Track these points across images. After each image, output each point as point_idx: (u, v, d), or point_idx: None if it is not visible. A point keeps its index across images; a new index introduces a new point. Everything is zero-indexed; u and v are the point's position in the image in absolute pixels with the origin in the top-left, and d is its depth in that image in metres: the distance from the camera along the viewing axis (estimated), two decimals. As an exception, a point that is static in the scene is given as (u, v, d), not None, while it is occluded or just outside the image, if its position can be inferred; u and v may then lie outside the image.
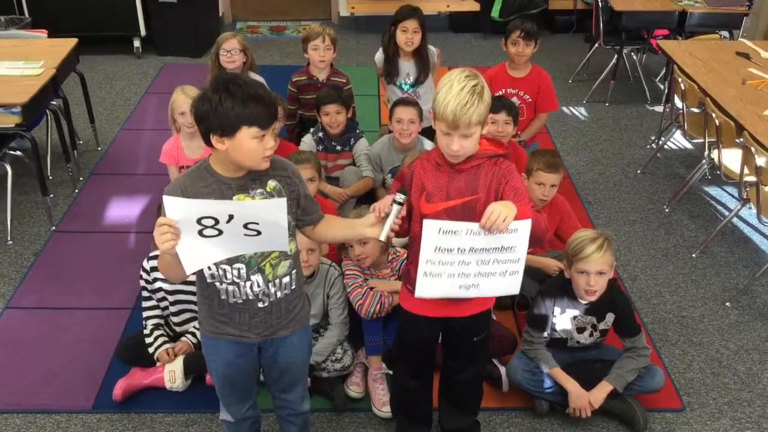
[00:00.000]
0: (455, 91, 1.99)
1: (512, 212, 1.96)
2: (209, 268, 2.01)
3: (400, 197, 2.01)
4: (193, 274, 1.95)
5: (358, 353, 3.02)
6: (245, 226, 1.85)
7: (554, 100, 4.17)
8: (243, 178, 1.95)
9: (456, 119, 1.98)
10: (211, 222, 1.81)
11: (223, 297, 2.07)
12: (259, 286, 2.05)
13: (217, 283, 2.04)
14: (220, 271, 2.02)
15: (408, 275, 2.32)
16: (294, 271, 2.11)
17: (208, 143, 1.90)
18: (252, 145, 1.86)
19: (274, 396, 2.40)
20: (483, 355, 2.58)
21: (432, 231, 2.00)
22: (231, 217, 1.82)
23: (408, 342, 2.49)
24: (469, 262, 2.06)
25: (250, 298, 2.06)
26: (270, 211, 1.85)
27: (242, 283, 2.04)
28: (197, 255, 1.87)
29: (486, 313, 2.41)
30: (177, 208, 1.79)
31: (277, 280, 2.07)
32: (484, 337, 2.47)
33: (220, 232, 1.84)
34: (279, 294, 2.09)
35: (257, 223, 1.85)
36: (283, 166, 2.04)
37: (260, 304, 2.08)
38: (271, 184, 1.99)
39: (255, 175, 1.96)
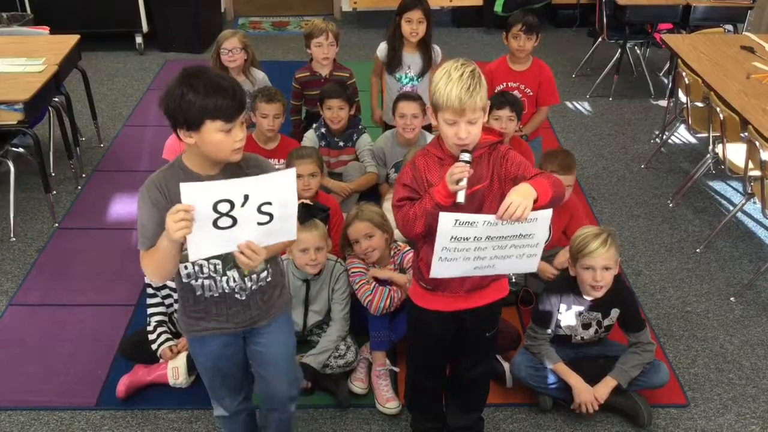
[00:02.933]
0: (455, 78, 1.99)
1: (530, 200, 1.92)
2: (185, 266, 2.00)
3: (467, 156, 1.99)
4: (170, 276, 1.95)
5: (362, 349, 3.01)
6: (259, 209, 1.82)
7: (555, 94, 4.14)
8: (218, 175, 1.92)
9: (462, 104, 1.97)
10: (226, 207, 1.78)
11: (199, 293, 2.06)
12: (235, 281, 2.06)
13: (193, 281, 2.04)
14: (196, 267, 2.02)
15: (419, 272, 2.29)
16: (269, 265, 2.10)
17: (179, 137, 1.88)
18: (219, 138, 1.83)
19: (259, 391, 2.37)
20: (493, 352, 2.57)
21: (448, 224, 1.96)
22: (246, 198, 1.79)
23: (420, 340, 2.47)
24: (485, 248, 2.03)
25: (227, 291, 2.07)
26: (282, 183, 1.82)
27: (218, 278, 2.04)
28: (205, 244, 1.82)
29: (500, 302, 2.38)
30: (194, 194, 1.75)
31: (254, 275, 2.07)
32: (495, 333, 2.46)
33: (235, 222, 1.81)
34: (255, 287, 2.09)
35: (271, 203, 1.83)
36: (257, 164, 2.01)
37: (238, 296, 2.08)
38: None
39: (229, 173, 1.92)
